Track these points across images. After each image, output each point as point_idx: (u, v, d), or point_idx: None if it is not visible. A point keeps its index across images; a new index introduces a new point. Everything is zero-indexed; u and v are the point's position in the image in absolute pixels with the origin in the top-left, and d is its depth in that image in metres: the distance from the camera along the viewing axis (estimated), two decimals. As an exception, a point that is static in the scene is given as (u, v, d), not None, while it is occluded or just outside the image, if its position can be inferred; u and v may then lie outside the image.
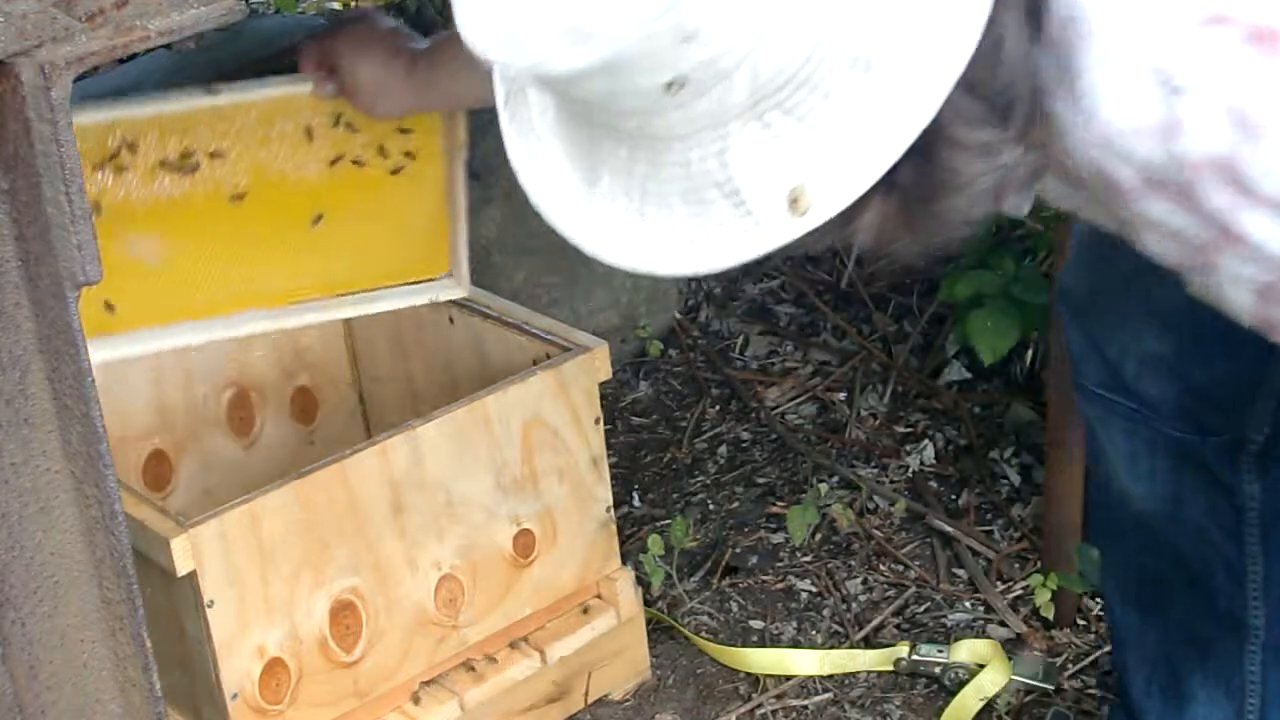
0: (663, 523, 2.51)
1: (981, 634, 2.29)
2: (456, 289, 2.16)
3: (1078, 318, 1.75)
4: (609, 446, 2.19)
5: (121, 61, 2.20)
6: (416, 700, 2.03)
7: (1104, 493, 1.86)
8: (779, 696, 2.23)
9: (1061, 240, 2.19)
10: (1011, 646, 2.24)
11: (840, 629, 2.33)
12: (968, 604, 2.36)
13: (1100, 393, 1.73)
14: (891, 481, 2.59)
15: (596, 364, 2.09)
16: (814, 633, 2.33)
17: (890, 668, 2.24)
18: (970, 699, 2.16)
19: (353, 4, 3.75)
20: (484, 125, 2.91)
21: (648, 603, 2.29)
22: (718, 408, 2.80)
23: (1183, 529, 1.74)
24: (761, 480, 2.63)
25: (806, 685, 2.25)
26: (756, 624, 2.35)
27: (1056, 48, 1.09)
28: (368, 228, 2.12)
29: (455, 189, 2.14)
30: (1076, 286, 1.76)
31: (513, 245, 2.73)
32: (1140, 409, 1.69)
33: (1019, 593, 2.36)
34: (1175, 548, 1.76)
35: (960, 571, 2.42)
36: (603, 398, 2.13)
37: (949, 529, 2.47)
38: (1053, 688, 2.18)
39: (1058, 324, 2.21)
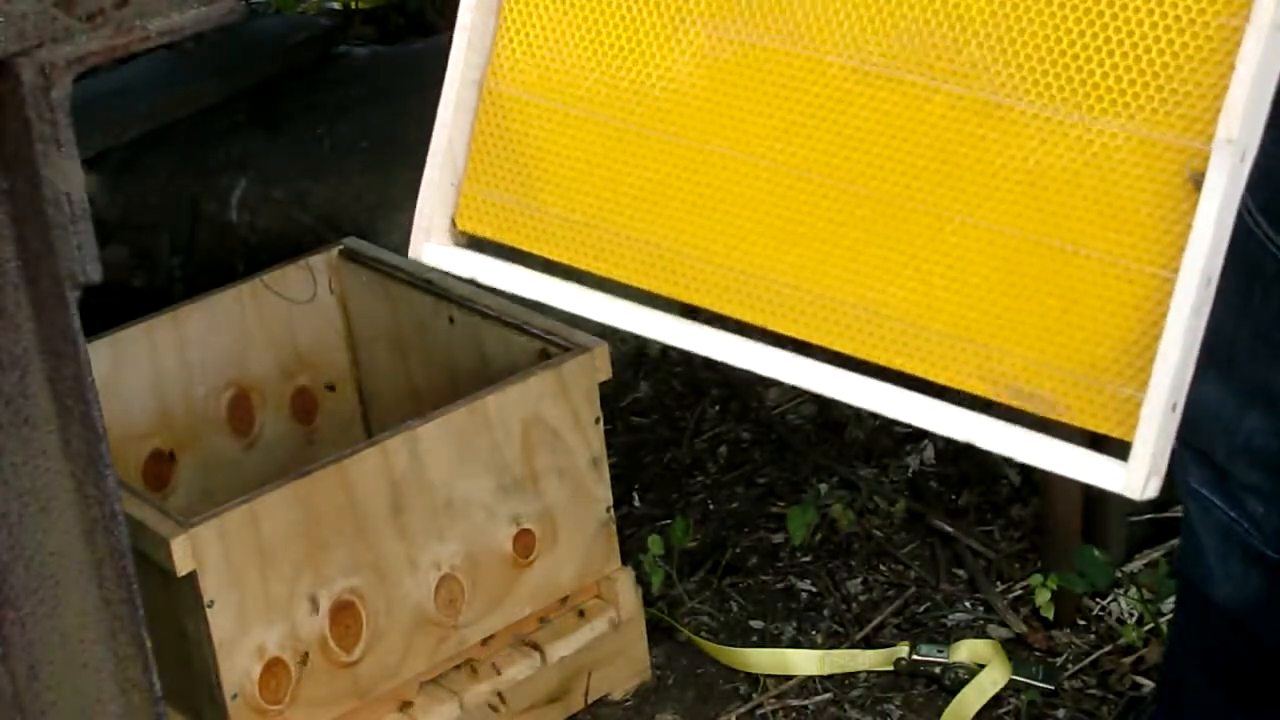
0: (663, 523, 2.51)
1: (981, 634, 2.29)
2: (1125, 478, 0.98)
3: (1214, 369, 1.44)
4: (609, 446, 2.19)
5: (121, 61, 2.20)
6: (417, 698, 2.04)
7: (1194, 565, 1.68)
8: (779, 696, 2.23)
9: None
10: (1011, 646, 2.24)
11: (840, 629, 2.33)
12: (968, 604, 2.36)
13: (1202, 492, 1.61)
14: (891, 481, 2.59)
15: (597, 364, 2.09)
16: (814, 633, 2.33)
17: (890, 668, 2.24)
18: (970, 699, 2.16)
19: (353, 4, 3.76)
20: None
21: (648, 603, 2.29)
22: (718, 408, 2.80)
23: (1275, 632, 1.64)
24: (761, 480, 2.62)
25: (806, 685, 2.24)
26: (756, 624, 2.35)
27: None
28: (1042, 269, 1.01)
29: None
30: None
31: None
32: (1240, 521, 1.59)
33: (1019, 593, 2.36)
34: (1259, 639, 1.66)
35: (960, 571, 2.42)
36: (603, 398, 2.13)
37: (949, 529, 2.47)
38: (1053, 688, 2.18)
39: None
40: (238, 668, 1.87)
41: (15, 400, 1.24)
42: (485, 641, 2.09)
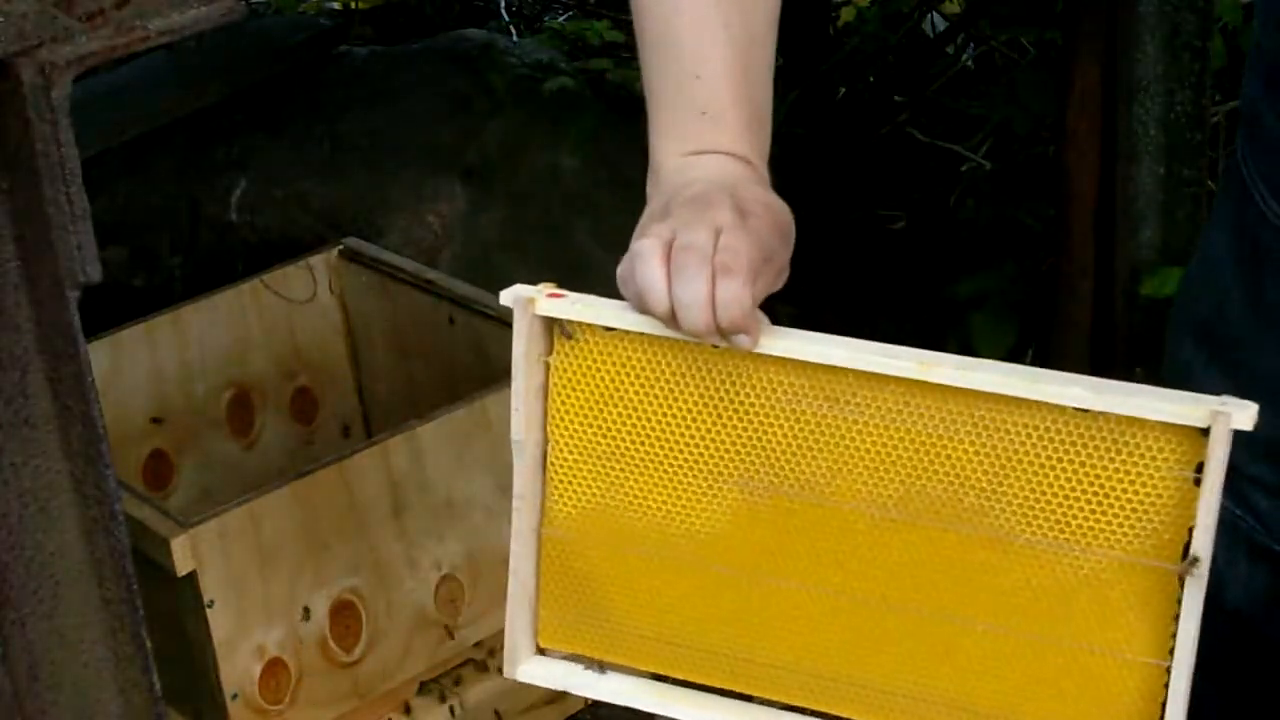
0: (663, 523, 2.51)
1: (981, 634, 2.28)
2: None
3: (1219, 351, 1.45)
4: (609, 446, 2.18)
5: (121, 61, 2.20)
6: (417, 698, 2.04)
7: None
8: (779, 696, 2.22)
9: (1063, 240, 2.18)
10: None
11: (840, 629, 2.33)
12: (968, 604, 2.35)
13: None
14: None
15: (596, 364, 2.09)
16: (814, 633, 2.33)
17: (890, 668, 2.24)
18: (970, 699, 2.16)
19: (353, 4, 3.76)
20: (483, 120, 2.92)
21: (648, 603, 2.28)
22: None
23: (1276, 632, 1.59)
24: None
25: (806, 685, 2.24)
26: (756, 624, 2.34)
27: None
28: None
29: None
30: (1208, 310, 1.46)
31: (513, 245, 2.73)
32: (1245, 516, 1.55)
33: (1019, 593, 2.35)
34: (1269, 642, 1.60)
35: (960, 571, 2.41)
36: (603, 398, 2.13)
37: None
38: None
39: (1060, 324, 2.21)
40: (238, 668, 1.87)
41: (15, 400, 1.24)
42: (485, 641, 2.08)
